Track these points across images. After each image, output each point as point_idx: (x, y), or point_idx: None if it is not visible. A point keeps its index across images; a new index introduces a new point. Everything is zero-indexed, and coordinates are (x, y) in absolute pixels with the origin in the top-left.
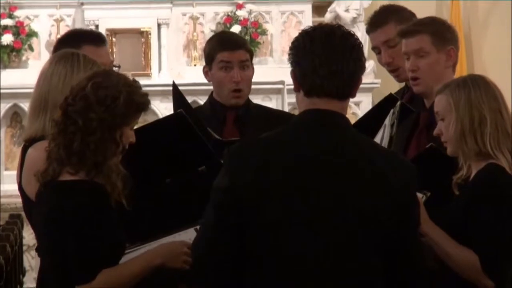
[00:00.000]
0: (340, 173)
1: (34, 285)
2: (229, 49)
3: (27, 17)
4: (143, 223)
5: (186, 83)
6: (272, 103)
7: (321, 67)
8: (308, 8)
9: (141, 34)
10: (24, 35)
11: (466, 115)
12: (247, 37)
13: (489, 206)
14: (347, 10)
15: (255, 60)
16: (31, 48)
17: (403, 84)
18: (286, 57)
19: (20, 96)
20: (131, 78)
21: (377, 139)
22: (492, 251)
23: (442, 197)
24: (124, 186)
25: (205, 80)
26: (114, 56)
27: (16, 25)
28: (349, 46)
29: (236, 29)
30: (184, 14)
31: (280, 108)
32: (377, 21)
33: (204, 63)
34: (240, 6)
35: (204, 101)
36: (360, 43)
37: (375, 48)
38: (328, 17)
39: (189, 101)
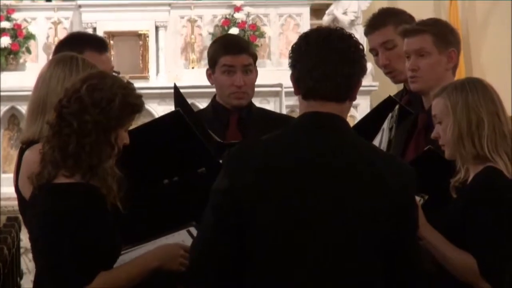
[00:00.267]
0: (339, 175)
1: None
2: (232, 53)
3: (25, 20)
4: (139, 224)
5: (184, 86)
6: (270, 106)
7: (315, 69)
8: (306, 10)
9: (139, 37)
10: (21, 37)
11: (464, 118)
12: None
13: (487, 209)
14: (345, 13)
15: None
16: (28, 51)
17: (401, 87)
18: (284, 59)
19: (17, 98)
20: (125, 80)
21: (376, 143)
22: (490, 254)
23: (440, 200)
24: (120, 189)
25: (202, 83)
26: (112, 58)
27: (14, 28)
28: (346, 48)
29: (234, 31)
30: (182, 17)
31: (278, 110)
32: (376, 23)
33: (202, 66)
34: (238, 9)
35: (202, 103)
36: (360, 45)
37: (373, 50)
38: (326, 20)
39: None
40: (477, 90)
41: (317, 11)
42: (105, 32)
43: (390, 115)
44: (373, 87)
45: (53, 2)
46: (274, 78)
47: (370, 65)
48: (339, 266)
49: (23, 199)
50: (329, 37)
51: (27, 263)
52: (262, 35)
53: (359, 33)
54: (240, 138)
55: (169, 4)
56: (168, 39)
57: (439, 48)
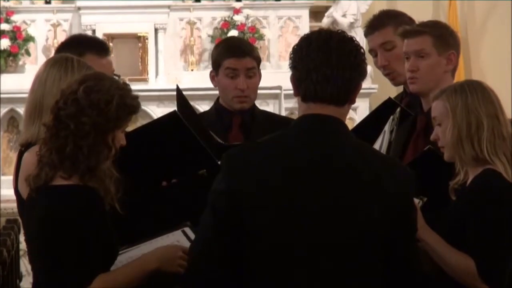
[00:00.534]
0: (337, 177)
1: None
2: (235, 56)
3: (24, 22)
4: (137, 226)
5: (183, 88)
6: (269, 108)
7: (315, 72)
8: (305, 13)
9: (138, 39)
10: (21, 39)
11: (463, 121)
12: None
13: (485, 211)
14: (344, 15)
15: None
16: (28, 53)
17: (400, 89)
18: (283, 62)
19: (17, 100)
20: (121, 81)
21: (377, 145)
22: (488, 256)
23: (439, 202)
24: (117, 190)
25: (202, 85)
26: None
27: (13, 30)
28: (347, 51)
29: (233, 34)
30: (181, 19)
31: (277, 113)
32: (375, 24)
33: (201, 68)
34: (237, 11)
35: (201, 105)
36: (361, 48)
37: (372, 51)
38: (325, 22)
39: None
40: (476, 92)
41: (317, 14)
42: (105, 34)
43: (391, 117)
44: (372, 89)
45: (53, 4)
46: (273, 81)
47: (369, 68)
48: (339, 267)
49: (23, 201)
50: (330, 40)
51: (27, 265)
52: (261, 37)
53: (358, 36)
54: (242, 140)
55: (168, 6)
56: (167, 41)
57: (438, 49)
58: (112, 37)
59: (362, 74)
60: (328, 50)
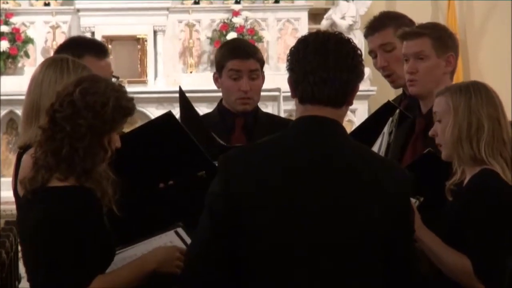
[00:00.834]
0: (335, 178)
1: None
2: (239, 57)
3: (23, 24)
4: (134, 227)
5: None
6: (268, 110)
7: (312, 74)
8: (304, 15)
9: (137, 41)
10: (20, 41)
11: (464, 120)
12: None
13: (482, 211)
14: (343, 18)
15: None
16: (27, 55)
17: (399, 92)
18: (282, 64)
19: (16, 102)
20: (117, 83)
21: (376, 146)
22: (486, 256)
23: (436, 202)
24: (114, 192)
25: (201, 87)
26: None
27: (12, 32)
28: (344, 53)
29: (232, 36)
30: (180, 21)
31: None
32: (376, 25)
33: (200, 70)
34: (236, 13)
35: (200, 107)
36: (358, 50)
37: (372, 52)
38: (324, 24)
39: None
40: (480, 94)
41: (315, 16)
42: (104, 36)
43: (390, 119)
44: (371, 91)
45: (52, 6)
46: (272, 83)
47: (368, 70)
48: (339, 267)
49: None
50: (328, 42)
51: None
52: (260, 39)
53: (357, 38)
54: (245, 142)
55: (167, 9)
56: (166, 44)
57: (437, 52)
58: (111, 39)
59: (360, 76)
60: (325, 52)
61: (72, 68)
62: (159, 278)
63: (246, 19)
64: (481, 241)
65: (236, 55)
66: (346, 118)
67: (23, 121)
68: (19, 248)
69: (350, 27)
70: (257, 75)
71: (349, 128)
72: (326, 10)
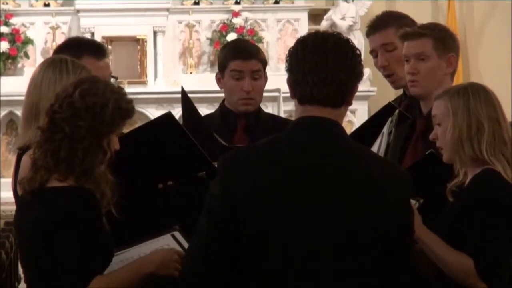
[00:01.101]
0: (335, 179)
1: None
2: (241, 58)
3: (23, 25)
4: (132, 229)
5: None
6: (268, 111)
7: (311, 74)
8: (304, 16)
9: (137, 42)
10: (20, 42)
11: (464, 122)
12: None
13: (484, 210)
14: (343, 18)
15: None
16: (27, 56)
17: (399, 92)
18: (282, 64)
19: (15, 103)
20: (116, 84)
21: (375, 147)
22: (487, 255)
23: (437, 204)
24: (113, 194)
25: (200, 88)
26: (110, 63)
27: (12, 33)
28: (343, 53)
29: (232, 37)
30: (180, 22)
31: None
32: (378, 24)
33: (200, 71)
34: (236, 14)
35: (200, 108)
36: (357, 50)
37: (373, 51)
38: (324, 25)
39: None
40: (479, 95)
41: (315, 17)
42: (103, 37)
43: (390, 119)
44: (371, 92)
45: (52, 7)
46: (272, 83)
47: (368, 71)
48: (338, 268)
49: None
50: (326, 42)
51: None
52: (260, 40)
53: (357, 39)
54: (247, 143)
55: (167, 9)
56: (166, 44)
57: (438, 52)
58: (111, 39)
59: (359, 76)
60: (324, 52)
61: (71, 69)
62: (157, 281)
63: (246, 20)
64: (484, 241)
65: (239, 55)
66: (346, 119)
67: (23, 122)
68: None
69: (350, 28)
70: (259, 75)
71: (349, 129)
72: (326, 11)
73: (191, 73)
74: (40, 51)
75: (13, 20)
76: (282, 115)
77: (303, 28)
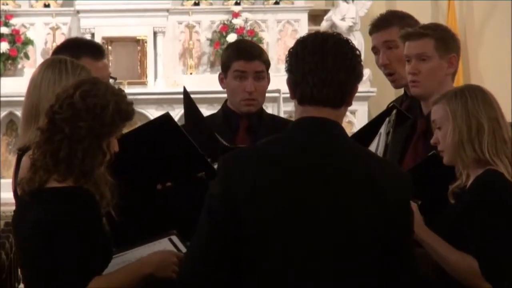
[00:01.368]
0: (335, 179)
1: None
2: (245, 58)
3: (23, 25)
4: (131, 230)
5: (182, 92)
6: (268, 111)
7: (311, 74)
8: (304, 16)
9: (137, 42)
10: (20, 43)
11: (464, 123)
12: None
13: (488, 210)
14: (343, 19)
15: None
16: (27, 56)
17: (399, 93)
18: (282, 65)
19: (15, 104)
20: (116, 86)
21: (372, 147)
22: (491, 254)
23: (438, 205)
24: (113, 196)
25: (200, 88)
26: (110, 64)
27: (12, 33)
28: (343, 54)
29: (232, 37)
30: (180, 23)
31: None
32: (381, 22)
33: (200, 72)
34: (236, 15)
35: (200, 109)
36: (356, 50)
37: (374, 48)
38: (324, 26)
39: None
40: (476, 96)
41: (315, 17)
42: (103, 38)
43: (387, 119)
44: (371, 93)
45: (52, 8)
46: (272, 84)
47: (368, 71)
48: (338, 268)
49: None
50: (326, 42)
51: None
52: (260, 41)
53: (357, 39)
54: (249, 143)
55: (167, 10)
56: (166, 45)
57: (440, 53)
58: (111, 40)
59: (358, 76)
60: (324, 53)
61: (71, 69)
62: (155, 282)
63: (246, 21)
64: (488, 241)
65: (242, 56)
66: (346, 119)
67: (23, 123)
68: None
69: (350, 29)
70: (262, 76)
71: (349, 129)
72: (326, 12)
73: (191, 73)
74: (40, 52)
75: (13, 21)
76: (282, 115)
77: (303, 28)
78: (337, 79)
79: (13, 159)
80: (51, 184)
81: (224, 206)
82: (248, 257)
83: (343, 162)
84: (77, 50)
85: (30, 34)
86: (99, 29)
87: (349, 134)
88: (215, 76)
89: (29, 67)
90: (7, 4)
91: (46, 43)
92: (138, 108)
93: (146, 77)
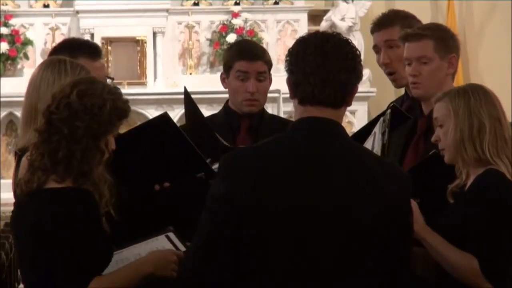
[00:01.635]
0: (335, 179)
1: None
2: (247, 59)
3: (23, 26)
4: (129, 229)
5: (181, 92)
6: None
7: (312, 75)
8: (303, 17)
9: (137, 43)
10: (19, 43)
11: (466, 123)
12: None
13: (489, 209)
14: (342, 19)
15: None
16: (26, 57)
17: (399, 93)
18: (281, 65)
19: (15, 104)
20: (112, 85)
21: (367, 146)
22: (492, 254)
23: (439, 204)
24: (111, 195)
25: (200, 89)
26: (110, 64)
27: (12, 34)
28: (343, 55)
29: (231, 37)
30: (179, 23)
31: None
32: (383, 21)
33: (199, 72)
34: (235, 15)
35: (200, 109)
36: (357, 50)
37: (375, 47)
38: (323, 26)
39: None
40: (479, 95)
41: (315, 17)
42: (103, 38)
43: (381, 119)
44: (371, 93)
45: (51, 8)
46: (272, 84)
47: (368, 71)
48: (339, 267)
49: None
50: (326, 43)
51: None
52: (259, 41)
53: (356, 40)
54: (250, 144)
55: (167, 10)
56: (165, 45)
57: (440, 53)
58: (110, 40)
59: (359, 77)
60: (324, 53)
61: (70, 69)
62: (155, 281)
63: (245, 21)
64: (489, 240)
65: (244, 56)
66: (346, 119)
67: (22, 124)
68: None
69: (350, 29)
70: (264, 77)
71: (349, 129)
72: (325, 12)
73: (190, 74)
74: (40, 52)
75: (12, 21)
76: (282, 116)
77: (303, 28)
78: (338, 79)
79: (13, 159)
80: (50, 184)
81: (225, 206)
82: (248, 257)
83: (344, 162)
84: (74, 50)
85: (30, 35)
86: (98, 29)
87: (349, 134)
88: (215, 76)
89: (29, 68)
90: (6, 5)
91: (45, 43)
92: (138, 109)
93: (146, 78)
